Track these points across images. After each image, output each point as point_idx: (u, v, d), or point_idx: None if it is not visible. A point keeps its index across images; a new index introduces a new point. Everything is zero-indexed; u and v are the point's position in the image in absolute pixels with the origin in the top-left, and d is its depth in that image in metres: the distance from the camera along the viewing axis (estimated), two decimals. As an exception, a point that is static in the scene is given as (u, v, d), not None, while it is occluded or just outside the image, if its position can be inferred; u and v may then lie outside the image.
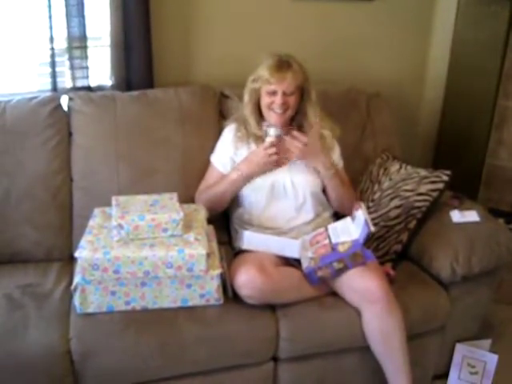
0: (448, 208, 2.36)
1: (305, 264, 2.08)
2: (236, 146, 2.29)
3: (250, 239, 2.13)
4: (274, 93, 2.16)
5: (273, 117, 2.22)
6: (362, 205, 2.08)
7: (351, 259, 1.99)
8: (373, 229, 1.96)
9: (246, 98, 2.25)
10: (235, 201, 2.31)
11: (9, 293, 1.99)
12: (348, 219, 2.12)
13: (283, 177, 2.24)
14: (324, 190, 2.33)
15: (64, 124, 2.35)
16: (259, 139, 2.26)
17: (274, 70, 2.13)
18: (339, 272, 2.01)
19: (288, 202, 2.23)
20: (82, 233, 1.99)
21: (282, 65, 2.14)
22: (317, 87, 2.27)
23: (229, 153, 2.30)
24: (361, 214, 2.02)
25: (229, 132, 2.34)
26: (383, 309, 1.96)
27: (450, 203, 2.39)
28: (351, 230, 2.06)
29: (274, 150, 2.15)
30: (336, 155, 2.35)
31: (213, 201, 2.24)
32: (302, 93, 2.23)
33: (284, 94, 2.16)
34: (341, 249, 2.02)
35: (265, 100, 2.20)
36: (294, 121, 2.29)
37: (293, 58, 2.19)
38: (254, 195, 2.24)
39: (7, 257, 2.24)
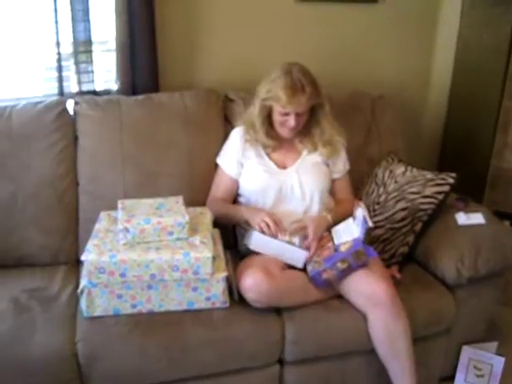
0: (453, 210, 2.35)
1: (310, 267, 2.08)
2: (244, 148, 2.30)
3: (257, 240, 2.12)
4: (286, 114, 2.17)
5: (285, 132, 2.24)
6: (361, 203, 2.09)
7: (354, 257, 1.98)
8: (371, 224, 1.97)
9: (257, 110, 2.24)
10: (242, 201, 2.33)
11: (16, 296, 2.00)
12: (350, 220, 2.13)
13: (291, 178, 2.25)
14: (330, 192, 2.36)
15: (70, 128, 2.36)
16: (268, 147, 2.28)
17: (289, 95, 2.10)
18: (344, 272, 2.01)
19: (294, 203, 2.24)
20: (88, 236, 2.00)
21: (297, 88, 2.10)
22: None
23: (236, 156, 2.31)
24: (360, 212, 2.03)
25: (236, 134, 2.35)
26: (389, 312, 1.96)
27: (456, 205, 2.39)
28: (353, 229, 2.07)
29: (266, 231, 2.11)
30: (342, 159, 2.36)
31: (221, 217, 2.24)
32: (314, 106, 2.23)
33: (297, 114, 2.16)
34: (343, 249, 2.03)
35: (277, 117, 2.20)
36: (305, 127, 2.28)
37: (303, 74, 2.14)
38: (262, 196, 2.24)
39: (14, 261, 2.25)
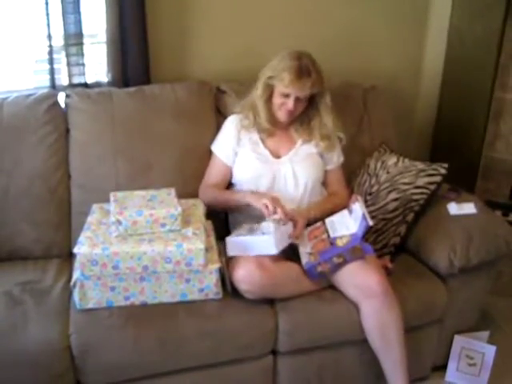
0: (445, 200, 2.36)
1: (304, 260, 2.08)
2: (239, 136, 2.30)
3: (231, 245, 2.07)
4: (287, 95, 2.17)
5: (282, 115, 2.24)
6: (359, 198, 2.08)
7: (350, 253, 1.99)
8: (371, 223, 1.96)
9: (260, 91, 2.24)
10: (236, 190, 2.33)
11: (8, 290, 1.99)
12: (345, 212, 2.12)
13: (284, 167, 2.25)
14: (323, 183, 2.36)
15: (61, 121, 2.35)
16: (265, 131, 2.29)
17: (294, 77, 2.10)
18: (338, 266, 2.01)
19: (288, 193, 2.24)
20: (80, 229, 2.00)
21: (303, 73, 2.11)
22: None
23: (231, 144, 2.31)
24: (358, 207, 2.02)
25: (231, 123, 2.35)
26: (382, 304, 1.97)
27: (448, 196, 2.40)
28: (349, 223, 2.06)
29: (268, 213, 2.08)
30: (336, 152, 2.37)
31: (216, 203, 2.26)
32: (315, 96, 2.23)
33: (297, 99, 2.16)
34: (339, 243, 2.02)
35: (277, 99, 2.21)
36: (304, 114, 2.28)
37: (311, 61, 2.16)
38: (255, 185, 2.24)
39: (6, 254, 2.24)
